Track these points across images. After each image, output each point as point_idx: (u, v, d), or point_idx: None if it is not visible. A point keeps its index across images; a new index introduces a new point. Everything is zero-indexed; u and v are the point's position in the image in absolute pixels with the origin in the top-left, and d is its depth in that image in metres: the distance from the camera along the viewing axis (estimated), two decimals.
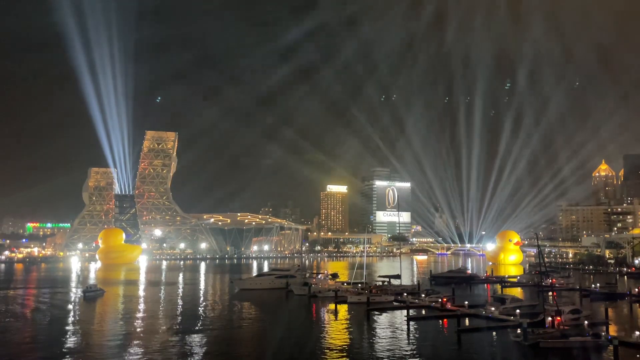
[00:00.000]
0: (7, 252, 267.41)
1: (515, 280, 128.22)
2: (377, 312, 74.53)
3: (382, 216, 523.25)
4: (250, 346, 54.99)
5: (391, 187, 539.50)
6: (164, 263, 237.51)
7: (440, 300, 76.52)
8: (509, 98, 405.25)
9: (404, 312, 70.06)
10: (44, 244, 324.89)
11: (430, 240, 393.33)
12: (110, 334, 60.06)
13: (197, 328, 62.75)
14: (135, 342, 54.44)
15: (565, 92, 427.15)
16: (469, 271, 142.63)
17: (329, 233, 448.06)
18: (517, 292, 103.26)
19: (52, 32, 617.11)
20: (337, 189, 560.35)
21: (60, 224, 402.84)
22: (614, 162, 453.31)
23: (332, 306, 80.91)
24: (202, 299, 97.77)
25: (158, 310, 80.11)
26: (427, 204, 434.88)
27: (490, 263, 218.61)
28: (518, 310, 64.18)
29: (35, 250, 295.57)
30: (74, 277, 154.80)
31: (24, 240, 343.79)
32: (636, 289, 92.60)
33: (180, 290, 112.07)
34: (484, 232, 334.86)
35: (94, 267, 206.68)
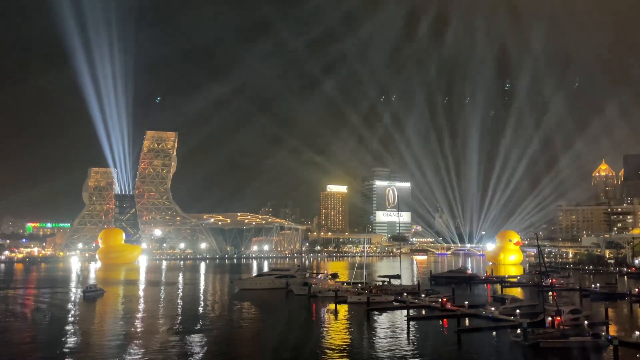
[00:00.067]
0: (7, 252, 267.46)
1: (515, 280, 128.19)
2: (377, 312, 74.53)
3: (382, 216, 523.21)
4: (250, 346, 55.01)
5: (391, 187, 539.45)
6: (164, 263, 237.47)
7: (440, 300, 76.53)
8: (509, 98, 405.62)
9: (404, 312, 70.06)
10: (44, 244, 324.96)
11: (430, 240, 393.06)
12: (110, 334, 60.05)
13: (197, 328, 62.76)
14: (135, 342, 54.43)
15: (565, 92, 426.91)
16: (469, 271, 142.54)
17: (329, 233, 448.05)
18: (517, 292, 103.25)
19: (52, 33, 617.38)
20: (337, 189, 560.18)
21: (60, 224, 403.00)
22: (614, 162, 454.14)
23: (332, 306, 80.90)
24: (202, 299, 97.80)
25: (158, 310, 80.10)
26: (427, 204, 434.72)
27: (490, 263, 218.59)
28: (518, 310, 64.17)
29: (35, 250, 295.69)
30: (74, 277, 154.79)
31: (24, 240, 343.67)
32: (636, 289, 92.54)
33: (180, 290, 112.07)
34: (484, 232, 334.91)
35: (94, 267, 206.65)
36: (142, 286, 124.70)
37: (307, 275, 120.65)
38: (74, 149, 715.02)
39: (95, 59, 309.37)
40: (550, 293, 74.68)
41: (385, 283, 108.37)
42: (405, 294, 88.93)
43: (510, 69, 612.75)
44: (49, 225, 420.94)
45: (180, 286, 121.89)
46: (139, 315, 75.23)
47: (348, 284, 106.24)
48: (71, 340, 56.37)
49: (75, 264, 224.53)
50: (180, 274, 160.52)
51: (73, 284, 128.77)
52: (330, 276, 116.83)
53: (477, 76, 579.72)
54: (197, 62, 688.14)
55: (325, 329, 64.05)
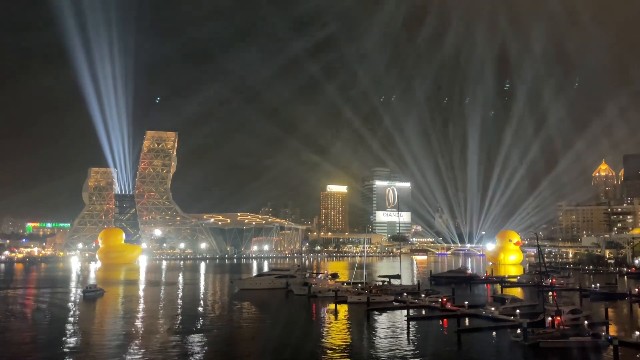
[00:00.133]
0: (7, 252, 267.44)
1: (515, 280, 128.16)
2: (377, 312, 74.53)
3: (382, 216, 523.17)
4: (250, 346, 55.01)
5: (391, 187, 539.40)
6: (164, 263, 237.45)
7: (440, 300, 76.50)
8: (509, 99, 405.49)
9: (404, 312, 70.06)
10: (44, 244, 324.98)
11: (430, 240, 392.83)
12: (110, 334, 60.08)
13: (197, 328, 62.79)
14: (135, 342, 54.45)
15: (565, 92, 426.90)
16: (469, 271, 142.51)
17: (329, 233, 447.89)
18: (517, 292, 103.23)
19: (52, 33, 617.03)
20: (337, 189, 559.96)
21: (60, 224, 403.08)
22: (614, 162, 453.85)
23: (332, 306, 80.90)
24: (202, 299, 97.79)
25: (158, 310, 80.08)
26: (427, 204, 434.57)
27: (490, 263, 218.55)
28: (518, 310, 64.14)
29: (35, 250, 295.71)
30: (74, 277, 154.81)
31: (24, 240, 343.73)
32: (636, 289, 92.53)
33: (180, 290, 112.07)
34: (484, 232, 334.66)
35: (94, 267, 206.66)
36: (142, 286, 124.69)
37: (307, 275, 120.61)
38: (74, 149, 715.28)
39: (95, 59, 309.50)
40: (550, 293, 74.63)
41: (385, 283, 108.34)
42: (405, 294, 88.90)
43: (510, 69, 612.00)
44: (49, 225, 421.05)
45: (180, 286, 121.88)
46: (139, 315, 75.24)
47: (348, 284, 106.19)
48: (71, 340, 56.38)
49: (75, 264, 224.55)
50: (180, 274, 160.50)
51: (73, 284, 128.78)
52: (330, 276, 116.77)
53: (477, 76, 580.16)
54: (197, 62, 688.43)
55: (325, 329, 64.03)
